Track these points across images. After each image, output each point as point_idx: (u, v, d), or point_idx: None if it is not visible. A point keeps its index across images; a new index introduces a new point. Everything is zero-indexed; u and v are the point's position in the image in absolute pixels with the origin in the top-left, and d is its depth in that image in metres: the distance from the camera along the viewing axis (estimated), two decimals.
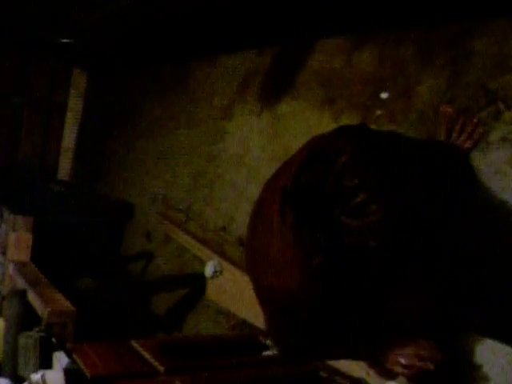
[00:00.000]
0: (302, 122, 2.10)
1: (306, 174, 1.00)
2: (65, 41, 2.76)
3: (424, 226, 1.00)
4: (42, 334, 1.40)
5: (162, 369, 1.32)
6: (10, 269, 2.09)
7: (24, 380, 1.36)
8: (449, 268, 1.13)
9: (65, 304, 1.64)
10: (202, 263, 2.46)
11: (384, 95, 1.81)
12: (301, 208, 0.97)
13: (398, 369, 1.16)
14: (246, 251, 1.22)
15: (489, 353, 1.39)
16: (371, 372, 1.48)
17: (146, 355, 1.38)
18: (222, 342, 1.67)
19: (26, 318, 1.65)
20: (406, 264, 1.00)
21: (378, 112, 1.81)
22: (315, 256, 0.95)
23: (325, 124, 2.00)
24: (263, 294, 1.08)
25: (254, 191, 2.22)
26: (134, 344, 1.45)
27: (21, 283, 1.90)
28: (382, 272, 0.98)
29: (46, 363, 1.32)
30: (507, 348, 1.34)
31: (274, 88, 2.31)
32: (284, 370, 1.50)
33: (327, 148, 1.06)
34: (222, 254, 2.40)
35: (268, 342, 1.69)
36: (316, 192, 0.97)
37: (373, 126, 1.82)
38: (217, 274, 2.34)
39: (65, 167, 3.95)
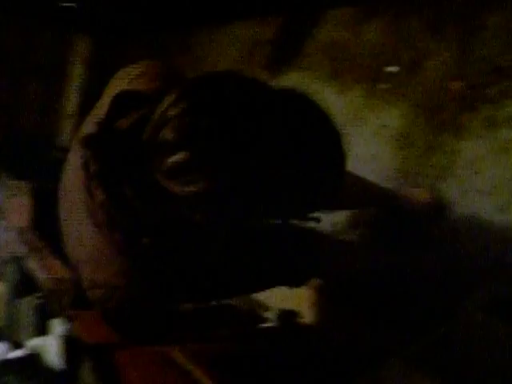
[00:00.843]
0: (309, 94, 2.07)
1: (118, 120, 0.82)
2: (66, 5, 2.71)
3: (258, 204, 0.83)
4: (41, 301, 1.40)
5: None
6: (11, 234, 2.09)
7: (23, 345, 1.36)
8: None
9: (64, 270, 1.64)
10: None
11: (391, 69, 1.78)
12: (109, 162, 0.79)
13: None
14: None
15: None
16: None
17: None
18: (220, 313, 1.67)
19: (25, 284, 1.65)
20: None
21: (385, 86, 1.78)
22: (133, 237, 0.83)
23: (332, 96, 1.97)
24: (88, 287, 0.96)
25: None
26: None
27: (21, 249, 1.90)
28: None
29: (44, 329, 1.32)
30: None
31: (281, 59, 2.28)
32: (283, 342, 1.50)
33: (148, 89, 0.91)
34: None
35: (267, 314, 1.70)
36: (130, 143, 0.79)
37: (379, 100, 1.79)
38: None
39: (66, 134, 3.92)
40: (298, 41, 2.17)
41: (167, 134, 0.76)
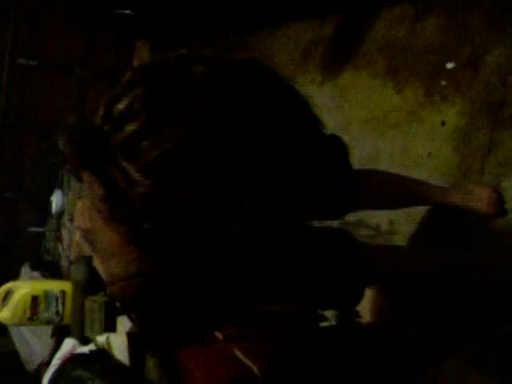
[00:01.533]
0: (364, 93, 2.06)
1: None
2: (127, 12, 2.79)
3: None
4: (107, 299, 1.45)
5: (220, 336, 1.35)
6: (77, 235, 2.17)
7: (90, 341, 1.42)
8: None
9: None
10: None
11: (449, 65, 1.75)
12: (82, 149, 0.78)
13: None
14: None
15: None
16: None
17: None
18: (280, 312, 1.69)
19: (91, 283, 1.71)
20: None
21: (443, 82, 1.76)
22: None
23: (388, 95, 1.95)
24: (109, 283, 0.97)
25: None
26: None
27: (87, 249, 1.97)
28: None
29: (110, 327, 1.37)
30: None
31: (336, 58, 2.28)
32: (342, 342, 1.50)
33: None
34: None
35: (326, 313, 1.70)
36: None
37: (437, 97, 1.77)
38: None
39: None
40: (354, 40, 2.16)
41: (117, 106, 0.78)
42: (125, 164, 0.77)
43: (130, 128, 0.76)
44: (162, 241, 0.86)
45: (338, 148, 1.34)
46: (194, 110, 0.76)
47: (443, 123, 1.72)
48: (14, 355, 2.48)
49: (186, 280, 0.93)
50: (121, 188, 0.79)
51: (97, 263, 1.76)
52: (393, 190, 1.46)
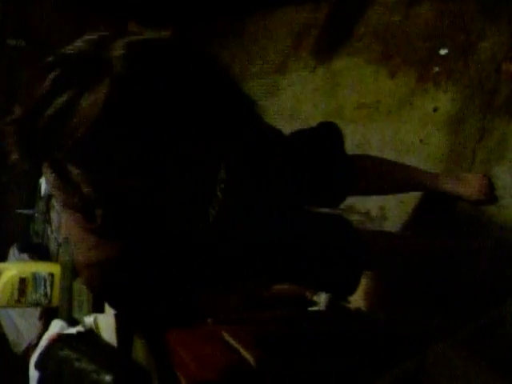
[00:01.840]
0: (357, 79, 2.05)
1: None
2: None
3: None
4: None
5: (210, 320, 1.36)
6: (65, 217, 2.16)
7: (78, 322, 1.42)
8: None
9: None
10: None
11: (443, 51, 1.74)
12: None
13: None
14: None
15: None
16: None
17: None
18: (269, 296, 1.69)
19: None
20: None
21: (436, 69, 1.75)
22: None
23: (381, 81, 1.94)
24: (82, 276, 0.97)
25: None
26: None
27: None
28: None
29: (98, 308, 1.37)
30: None
31: (330, 43, 2.26)
32: (330, 326, 1.51)
33: None
34: None
35: (315, 298, 1.71)
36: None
37: (430, 84, 1.76)
38: None
39: None
40: (347, 25, 2.15)
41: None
42: (55, 153, 0.75)
43: (47, 113, 0.73)
44: (116, 227, 0.85)
45: (332, 134, 1.34)
46: (105, 85, 0.73)
47: (435, 110, 1.72)
48: (1, 338, 2.47)
49: (149, 265, 0.91)
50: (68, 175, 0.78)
51: None
52: (385, 175, 1.46)
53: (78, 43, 0.82)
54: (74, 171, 0.77)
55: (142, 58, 0.77)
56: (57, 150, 0.75)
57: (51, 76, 0.75)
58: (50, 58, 0.79)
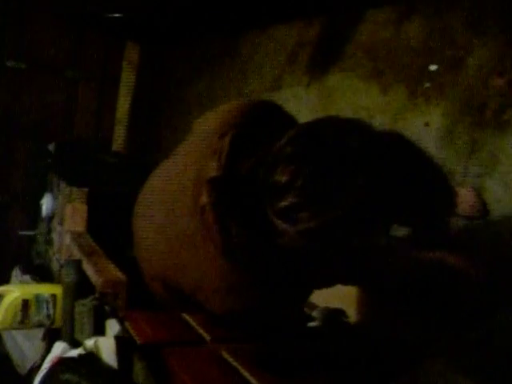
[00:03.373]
0: (350, 95, 2.08)
1: (237, 162, 0.91)
2: (116, 15, 2.80)
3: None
4: (96, 303, 1.47)
5: (208, 338, 1.37)
6: (67, 239, 2.19)
7: (80, 344, 1.43)
8: None
9: (117, 274, 1.71)
10: None
11: (433, 67, 1.77)
12: (229, 201, 0.90)
13: None
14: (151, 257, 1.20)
15: None
16: None
17: (194, 325, 1.43)
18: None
19: (81, 286, 1.72)
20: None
21: (427, 84, 1.78)
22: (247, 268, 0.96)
23: (373, 96, 1.98)
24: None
25: None
26: (184, 315, 1.50)
27: (76, 253, 1.99)
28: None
29: (99, 330, 1.39)
30: None
31: (322, 60, 2.29)
32: (329, 341, 1.53)
33: (260, 131, 0.98)
34: None
35: (314, 313, 1.72)
36: (247, 183, 0.90)
37: (421, 99, 1.79)
38: None
39: (119, 139, 4.03)
40: (338, 42, 2.18)
41: (278, 177, 0.84)
42: (279, 222, 0.86)
43: (291, 200, 0.83)
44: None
45: None
46: (355, 186, 0.83)
47: (427, 124, 1.75)
48: (6, 359, 2.49)
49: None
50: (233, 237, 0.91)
51: (87, 266, 1.78)
52: None
53: (316, 131, 0.92)
54: (295, 240, 0.88)
55: (377, 154, 0.90)
56: (291, 224, 0.86)
57: (302, 169, 0.84)
58: (291, 144, 0.88)
